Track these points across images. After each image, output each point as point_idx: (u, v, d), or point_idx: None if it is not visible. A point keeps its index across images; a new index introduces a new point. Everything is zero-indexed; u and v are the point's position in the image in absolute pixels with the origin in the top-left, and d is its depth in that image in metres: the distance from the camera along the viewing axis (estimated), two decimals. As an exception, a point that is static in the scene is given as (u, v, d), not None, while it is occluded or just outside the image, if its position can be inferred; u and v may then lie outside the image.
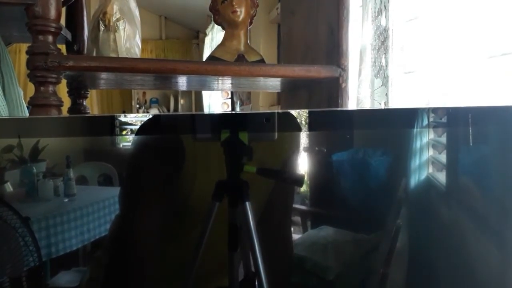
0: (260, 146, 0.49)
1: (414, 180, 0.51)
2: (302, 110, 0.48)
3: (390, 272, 0.52)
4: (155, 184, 0.49)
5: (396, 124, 0.51)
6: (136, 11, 1.02)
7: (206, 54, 3.50)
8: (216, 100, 3.57)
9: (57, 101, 0.79)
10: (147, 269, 0.50)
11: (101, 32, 0.95)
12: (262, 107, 2.42)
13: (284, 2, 1.42)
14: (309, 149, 0.50)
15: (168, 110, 4.71)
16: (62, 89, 0.98)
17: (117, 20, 0.95)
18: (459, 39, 0.80)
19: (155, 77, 0.96)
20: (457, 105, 0.50)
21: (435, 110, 0.49)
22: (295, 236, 0.52)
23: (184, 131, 0.47)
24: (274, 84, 1.11)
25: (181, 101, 4.78)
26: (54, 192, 0.47)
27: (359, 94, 0.91)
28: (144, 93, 4.77)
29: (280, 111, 0.48)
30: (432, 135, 0.50)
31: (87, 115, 1.10)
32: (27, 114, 1.01)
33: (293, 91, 1.26)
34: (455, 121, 0.50)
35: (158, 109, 4.77)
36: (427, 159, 0.51)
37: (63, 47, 1.02)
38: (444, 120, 0.50)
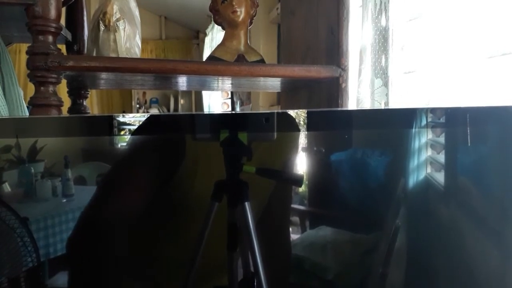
0: (260, 146, 0.49)
1: (413, 180, 0.51)
2: (302, 110, 0.48)
3: (389, 272, 0.52)
4: (155, 184, 0.49)
5: (395, 124, 0.51)
6: (136, 11, 1.02)
7: (206, 54, 3.50)
8: (216, 100, 3.57)
9: (57, 101, 0.79)
10: (147, 268, 0.51)
11: (101, 32, 0.95)
12: (262, 107, 2.42)
13: (284, 2, 1.42)
14: (309, 149, 0.50)
15: (168, 110, 4.71)
16: (62, 89, 0.98)
17: (117, 20, 0.95)
18: (459, 39, 0.80)
19: (155, 77, 0.96)
20: (456, 105, 0.50)
21: (433, 110, 0.49)
22: (294, 236, 0.52)
23: (184, 131, 0.47)
24: (274, 84, 1.11)
25: (181, 101, 4.79)
26: (53, 192, 0.47)
27: (359, 94, 0.91)
28: (144, 93, 4.78)
29: (279, 111, 0.48)
30: (430, 135, 0.50)
31: (86, 115, 1.10)
32: (27, 114, 1.01)
33: (293, 91, 1.26)
34: (454, 121, 0.50)
35: (158, 109, 4.77)
36: (425, 159, 0.51)
37: (63, 47, 1.02)
38: (442, 120, 0.50)
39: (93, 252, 0.49)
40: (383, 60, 0.85)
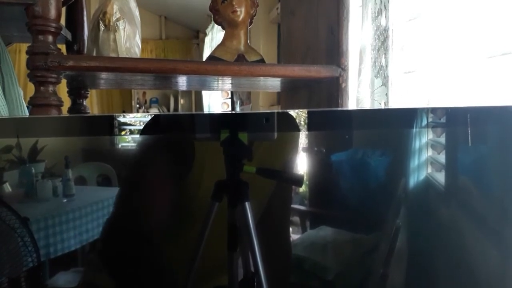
0: (260, 146, 0.49)
1: (413, 180, 0.51)
2: (302, 110, 0.48)
3: (389, 272, 0.52)
4: (154, 184, 0.49)
5: (395, 124, 0.51)
6: (136, 11, 1.02)
7: (206, 54, 3.50)
8: (216, 100, 3.57)
9: (57, 101, 0.79)
10: (147, 268, 0.50)
11: (101, 32, 0.95)
12: (262, 107, 2.43)
13: (284, 2, 1.42)
14: (309, 149, 0.50)
15: (168, 110, 4.71)
16: (62, 89, 0.98)
17: (117, 20, 0.95)
18: (459, 39, 0.80)
19: (155, 77, 0.96)
20: (457, 105, 0.50)
21: (434, 110, 0.49)
22: (295, 236, 0.52)
23: (184, 131, 0.47)
24: (274, 84, 1.11)
25: (181, 101, 4.79)
26: (53, 192, 0.47)
27: (359, 94, 0.91)
28: (144, 93, 4.78)
29: (280, 111, 0.48)
30: (431, 135, 0.50)
31: (86, 115, 1.10)
32: (27, 114, 1.01)
33: (293, 91, 1.26)
34: (454, 121, 0.50)
35: (158, 109, 4.77)
36: (426, 159, 0.51)
37: (63, 47, 1.02)
38: (443, 120, 0.50)
39: (94, 251, 0.49)
40: (383, 60, 0.85)
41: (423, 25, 0.88)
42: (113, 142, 0.47)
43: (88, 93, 1.20)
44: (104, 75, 0.92)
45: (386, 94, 0.84)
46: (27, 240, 0.46)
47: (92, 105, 4.26)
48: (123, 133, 0.47)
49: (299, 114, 0.48)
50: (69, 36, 1.08)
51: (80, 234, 0.47)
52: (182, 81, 1.03)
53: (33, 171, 0.46)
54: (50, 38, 0.78)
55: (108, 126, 0.47)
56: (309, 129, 0.48)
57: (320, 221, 0.52)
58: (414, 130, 0.50)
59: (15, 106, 1.00)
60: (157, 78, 0.98)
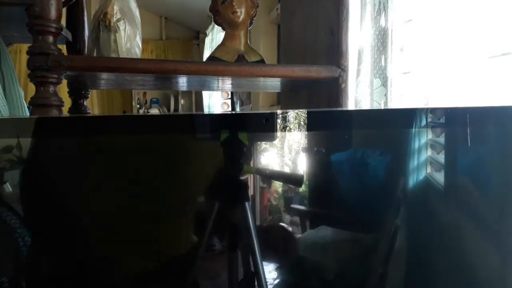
0: (260, 146, 0.49)
1: (413, 180, 0.51)
2: (302, 110, 0.48)
3: (388, 272, 0.52)
4: (153, 183, 0.50)
5: (394, 124, 0.51)
6: (136, 12, 1.03)
7: (206, 54, 3.51)
8: (216, 100, 3.57)
9: (57, 101, 0.79)
10: (146, 268, 0.51)
11: (101, 33, 0.95)
12: (262, 107, 2.43)
13: (284, 2, 1.42)
14: (309, 149, 0.50)
15: (169, 110, 4.72)
16: (63, 89, 0.98)
17: (118, 20, 0.96)
18: (460, 39, 0.80)
19: (155, 78, 0.96)
20: (456, 105, 0.50)
21: (433, 110, 0.49)
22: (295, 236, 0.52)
23: (184, 131, 0.48)
24: (274, 84, 1.12)
25: (182, 101, 4.79)
26: (54, 192, 0.47)
27: (358, 94, 0.91)
28: (144, 93, 4.78)
29: (279, 111, 0.48)
30: (430, 135, 0.50)
31: (87, 115, 1.10)
32: (28, 114, 1.01)
33: (293, 91, 1.26)
34: (454, 122, 0.50)
35: (159, 109, 4.78)
36: (425, 159, 0.51)
37: (63, 48, 1.02)
38: (442, 120, 0.50)
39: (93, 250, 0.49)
40: (382, 60, 0.85)
41: (423, 25, 0.88)
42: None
43: (88, 94, 1.21)
44: (104, 75, 0.92)
45: (385, 94, 0.84)
46: (28, 240, 0.46)
47: (93, 105, 4.26)
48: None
49: (299, 114, 0.49)
50: (69, 36, 1.08)
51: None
52: (182, 82, 1.03)
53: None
54: (51, 38, 0.78)
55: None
56: (309, 129, 0.48)
57: (320, 221, 0.53)
58: (413, 130, 0.50)
59: (16, 106, 1.00)
60: (158, 79, 0.98)
